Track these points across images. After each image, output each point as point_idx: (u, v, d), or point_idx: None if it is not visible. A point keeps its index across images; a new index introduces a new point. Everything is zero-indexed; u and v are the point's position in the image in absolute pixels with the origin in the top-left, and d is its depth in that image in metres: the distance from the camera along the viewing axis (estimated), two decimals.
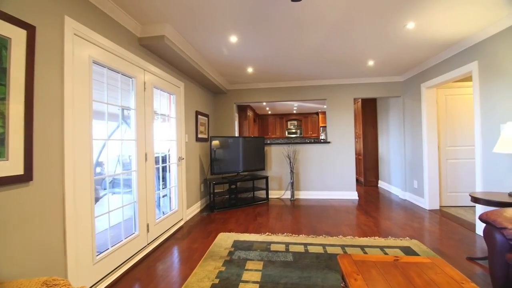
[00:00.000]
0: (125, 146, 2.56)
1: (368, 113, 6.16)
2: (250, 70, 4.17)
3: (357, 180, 6.76)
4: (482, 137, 2.90)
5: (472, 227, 3.14)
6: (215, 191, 4.80)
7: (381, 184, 5.92)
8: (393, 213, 3.84)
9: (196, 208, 4.09)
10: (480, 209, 2.93)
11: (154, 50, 2.84)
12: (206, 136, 4.62)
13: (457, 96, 4.10)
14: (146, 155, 2.70)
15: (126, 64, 2.43)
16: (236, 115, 7.52)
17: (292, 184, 4.80)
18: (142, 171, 2.63)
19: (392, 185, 5.36)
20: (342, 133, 4.88)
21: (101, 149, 2.83)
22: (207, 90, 4.87)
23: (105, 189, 3.43)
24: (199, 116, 4.29)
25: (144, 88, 2.73)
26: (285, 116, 10.73)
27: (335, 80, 4.86)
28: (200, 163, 4.39)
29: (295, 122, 10.84)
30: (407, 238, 2.83)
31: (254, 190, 4.76)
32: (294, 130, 10.70)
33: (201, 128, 4.39)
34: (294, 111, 10.19)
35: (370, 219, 3.57)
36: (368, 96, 4.83)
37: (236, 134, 7.42)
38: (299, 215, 3.84)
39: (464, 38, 3.01)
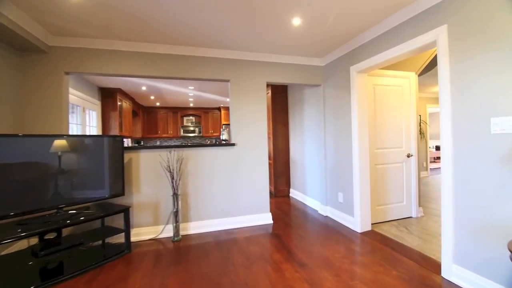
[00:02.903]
0: None
1: (279, 107, 5.03)
2: None
3: None
4: (453, 139, 1.96)
5: (433, 266, 2.23)
6: (2, 254, 2.32)
7: (294, 193, 4.90)
8: (324, 248, 2.62)
9: None
10: (449, 238, 1.99)
11: None
12: None
13: (387, 88, 3.35)
14: None
15: None
16: (96, 102, 4.89)
17: (176, 213, 2.92)
18: None
19: (308, 196, 4.36)
20: (252, 132, 3.40)
21: None
22: None
23: None
24: None
25: None
26: (180, 110, 8.61)
27: (243, 53, 3.32)
28: None
29: (193, 118, 8.91)
30: None
31: (106, 236, 2.59)
32: (192, 128, 8.75)
33: None
34: (191, 105, 8.24)
35: (301, 272, 2.17)
36: (285, 81, 3.55)
37: (91, 132, 4.81)
38: (182, 283, 2.02)
39: None
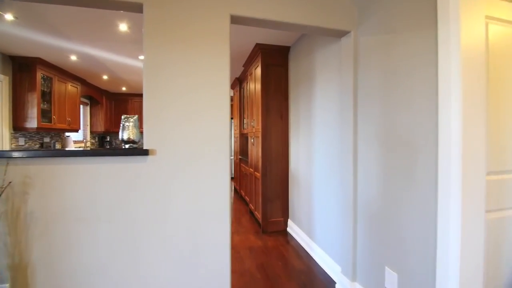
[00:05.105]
0: None
1: (274, 89, 3.14)
2: None
3: (251, 213, 3.71)
4: None
5: None
6: None
7: (293, 229, 3.01)
8: None
9: None
10: None
11: None
12: None
13: None
14: None
15: None
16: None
17: None
18: None
19: (316, 243, 2.46)
20: (198, 127, 1.54)
21: None
22: None
23: None
24: None
25: None
26: None
27: None
28: None
29: None
30: None
31: None
32: None
33: None
34: None
35: None
36: (271, 18, 1.65)
37: None
38: None
39: None
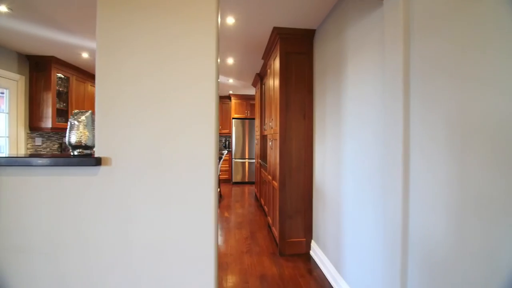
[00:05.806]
0: None
1: (295, 82, 2.60)
2: None
3: (269, 227, 3.21)
4: None
5: None
6: None
7: (317, 253, 2.43)
8: None
9: None
10: None
11: None
12: None
13: None
14: None
15: None
16: (12, 76, 3.11)
17: None
18: None
19: (346, 280, 1.88)
20: (170, 120, 1.10)
21: None
22: None
23: None
24: None
25: None
26: None
27: None
28: None
29: None
30: None
31: None
32: None
33: None
34: None
35: None
36: None
37: None
38: None
39: None
